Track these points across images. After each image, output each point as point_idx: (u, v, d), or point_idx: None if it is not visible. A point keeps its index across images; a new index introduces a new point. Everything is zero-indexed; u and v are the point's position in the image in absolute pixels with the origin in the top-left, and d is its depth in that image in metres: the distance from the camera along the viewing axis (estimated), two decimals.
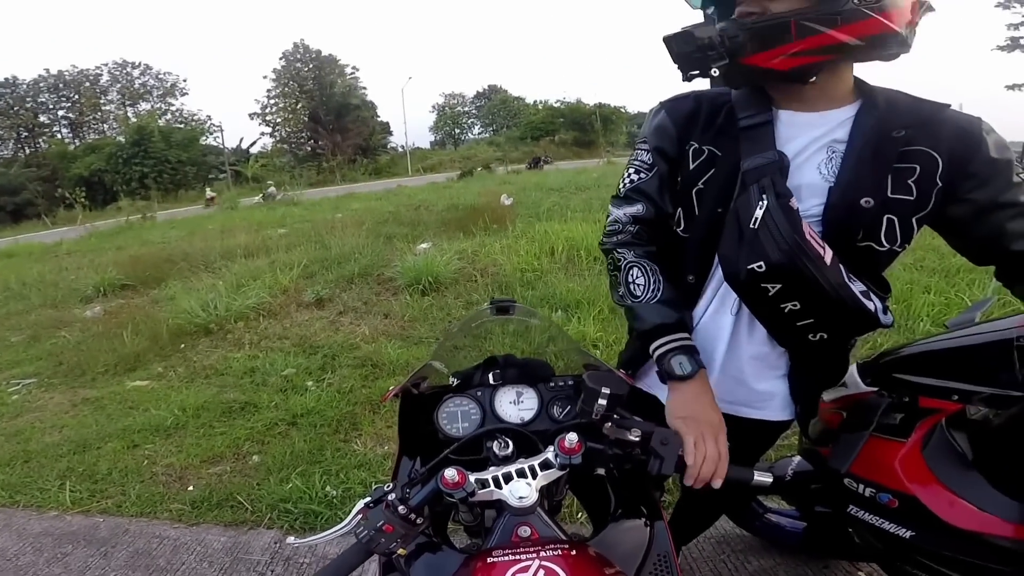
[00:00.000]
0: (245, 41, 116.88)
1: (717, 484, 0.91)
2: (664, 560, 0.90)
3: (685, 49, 0.95)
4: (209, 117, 46.02)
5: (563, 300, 4.62)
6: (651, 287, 1.09)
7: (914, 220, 0.97)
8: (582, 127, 47.22)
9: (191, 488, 2.64)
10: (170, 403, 3.49)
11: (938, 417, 1.15)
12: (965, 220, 0.97)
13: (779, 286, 0.95)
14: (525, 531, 0.81)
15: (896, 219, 0.96)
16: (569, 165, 27.82)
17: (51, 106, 44.45)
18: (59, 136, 43.44)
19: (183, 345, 4.58)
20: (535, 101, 59.00)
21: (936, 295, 4.26)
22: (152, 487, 2.67)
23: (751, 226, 0.94)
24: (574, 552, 0.74)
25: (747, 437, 1.21)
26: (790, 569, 1.85)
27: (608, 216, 1.21)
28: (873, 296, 1.02)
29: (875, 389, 1.25)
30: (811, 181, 0.98)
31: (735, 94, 1.06)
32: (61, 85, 43.95)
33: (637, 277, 1.12)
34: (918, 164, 0.94)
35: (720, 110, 1.06)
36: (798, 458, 1.58)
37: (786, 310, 0.99)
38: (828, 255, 0.94)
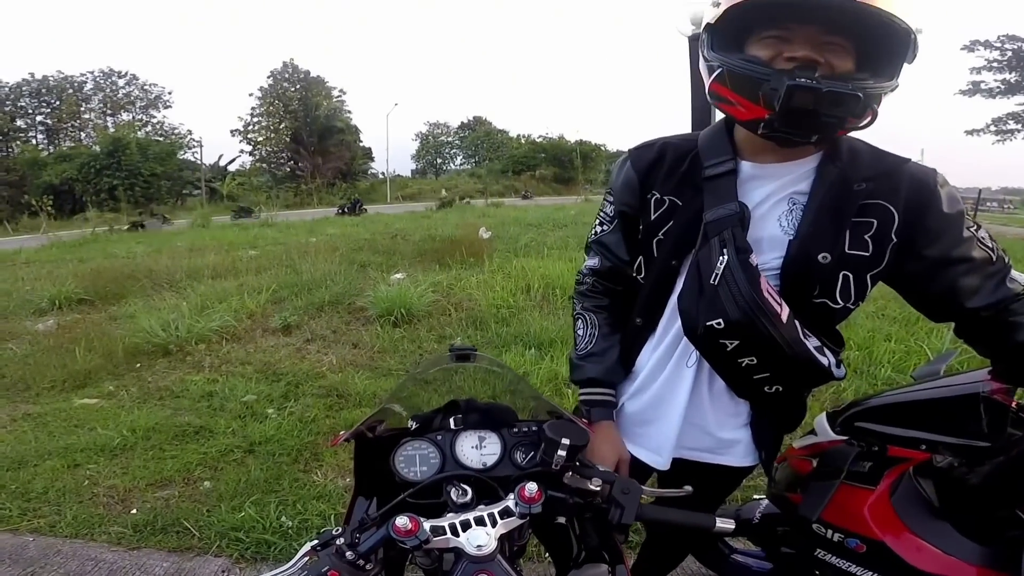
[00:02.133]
0: (234, 57, 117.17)
1: None
2: None
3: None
4: (190, 131, 44.90)
5: (537, 338, 4.61)
6: (588, 339, 1.21)
7: (868, 277, 0.99)
8: (562, 163, 48.28)
9: (134, 511, 2.53)
10: (119, 423, 3.36)
11: (906, 466, 1.19)
12: (920, 277, 0.99)
13: (736, 342, 0.98)
14: None
15: (851, 275, 0.97)
16: (548, 201, 28.33)
17: (30, 111, 43.22)
18: (34, 142, 42.16)
19: (139, 365, 4.42)
20: (518, 135, 60.01)
21: (896, 343, 4.43)
22: (91, 508, 2.55)
23: (711, 282, 0.96)
24: None
25: (712, 481, 1.24)
26: None
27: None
28: (827, 351, 1.05)
29: (844, 438, 1.29)
30: (772, 234, 1.00)
31: (703, 142, 1.09)
32: (44, 90, 42.83)
33: (579, 328, 1.24)
34: (875, 219, 0.95)
35: (685, 158, 1.09)
36: (765, 501, 1.62)
37: (743, 364, 1.01)
38: (784, 312, 0.97)
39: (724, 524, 0.93)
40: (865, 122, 0.91)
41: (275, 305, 5.83)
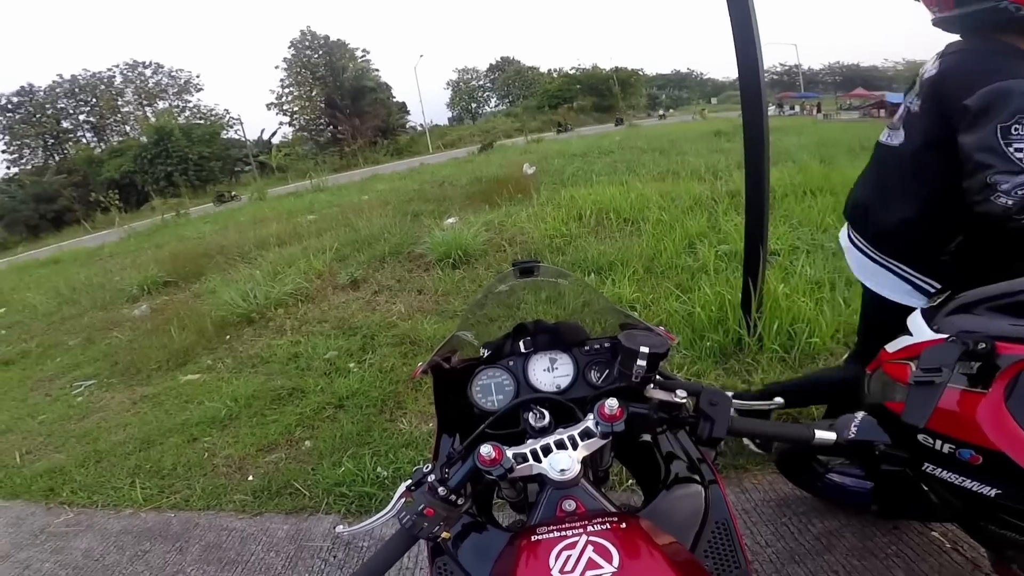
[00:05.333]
0: (253, 32, 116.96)
1: None
2: (723, 527, 0.84)
3: None
4: (227, 111, 46.39)
5: (595, 263, 4.54)
6: None
7: None
8: (600, 92, 46.40)
9: (251, 478, 2.68)
10: (222, 394, 3.57)
11: (1021, 364, 1.04)
12: None
13: None
14: (570, 505, 0.77)
15: None
16: (590, 130, 27.19)
17: (71, 111, 45.33)
18: (84, 141, 44.52)
19: (228, 336, 4.69)
20: (550, 70, 58.20)
21: None
22: (215, 479, 2.73)
23: None
24: (623, 525, 0.69)
25: None
26: (856, 531, 1.76)
27: (1000, 195, 1.20)
28: None
29: (945, 336, 1.14)
30: None
31: None
32: (76, 89, 44.73)
33: None
34: None
35: None
36: (861, 414, 1.49)
37: None
38: None
39: (824, 435, 0.85)
40: None
41: (340, 263, 6.01)
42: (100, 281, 8.32)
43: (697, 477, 0.91)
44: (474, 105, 63.44)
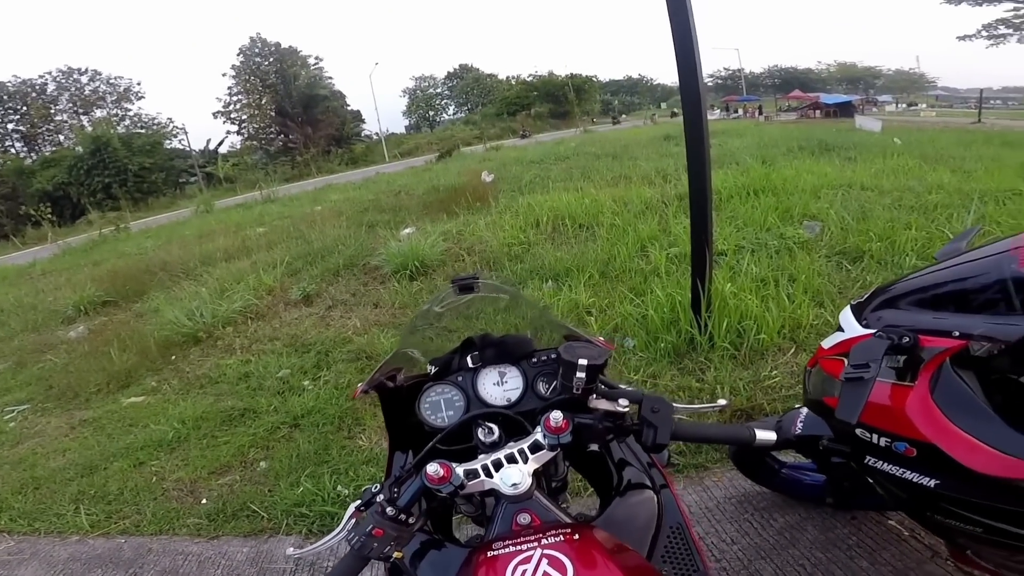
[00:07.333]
0: (199, 39, 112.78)
1: None
2: (678, 531, 0.86)
3: None
4: (171, 120, 43.96)
5: (552, 270, 4.59)
6: None
7: None
8: (556, 99, 47.17)
9: (204, 501, 2.60)
10: (169, 416, 3.44)
11: (942, 357, 1.08)
12: None
13: None
14: (525, 518, 0.78)
15: None
16: (548, 137, 27.50)
17: None
18: (13, 151, 41.65)
19: (174, 356, 4.50)
20: (508, 77, 58.71)
21: (917, 231, 4.32)
22: (166, 503, 2.64)
23: None
24: (577, 536, 0.70)
25: None
26: (817, 523, 1.83)
27: None
28: None
29: (872, 331, 1.18)
30: None
31: None
32: (5, 96, 41.68)
33: None
34: None
35: None
36: (805, 410, 1.49)
37: None
38: None
39: (765, 435, 0.89)
40: None
41: (292, 278, 5.85)
42: (31, 302, 7.78)
43: (649, 483, 0.93)
44: (432, 113, 63.16)
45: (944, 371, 1.08)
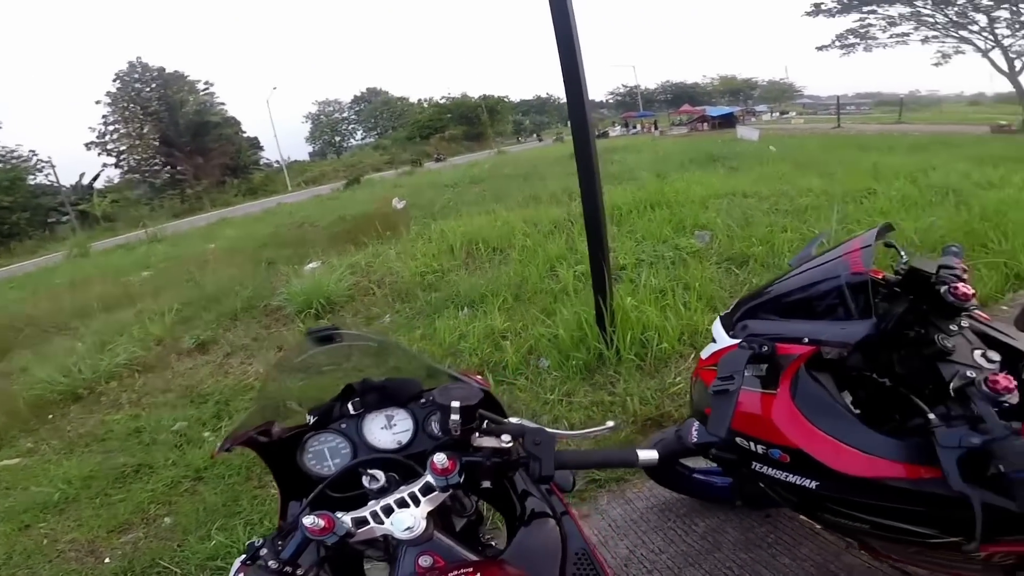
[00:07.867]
0: (65, 65, 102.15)
1: None
2: (583, 557, 0.87)
3: None
4: (33, 152, 38.78)
5: (467, 297, 4.56)
6: None
7: None
8: (470, 120, 47.50)
9: (108, 560, 2.42)
10: (52, 477, 3.15)
11: (797, 363, 1.14)
12: None
13: None
14: (427, 560, 0.77)
15: None
16: (463, 159, 27.69)
17: None
18: None
19: (51, 415, 4.07)
20: (420, 100, 58.27)
21: (792, 232, 4.80)
22: (64, 565, 2.43)
23: None
24: (479, 574, 0.71)
25: None
26: (736, 524, 1.91)
27: None
28: None
29: (738, 342, 1.22)
30: None
31: None
32: None
33: None
34: None
35: None
36: (696, 421, 1.54)
37: None
38: None
39: (647, 455, 0.91)
40: None
41: (183, 325, 5.38)
42: None
43: (550, 511, 0.93)
44: (338, 138, 61.17)
45: (801, 376, 1.14)
